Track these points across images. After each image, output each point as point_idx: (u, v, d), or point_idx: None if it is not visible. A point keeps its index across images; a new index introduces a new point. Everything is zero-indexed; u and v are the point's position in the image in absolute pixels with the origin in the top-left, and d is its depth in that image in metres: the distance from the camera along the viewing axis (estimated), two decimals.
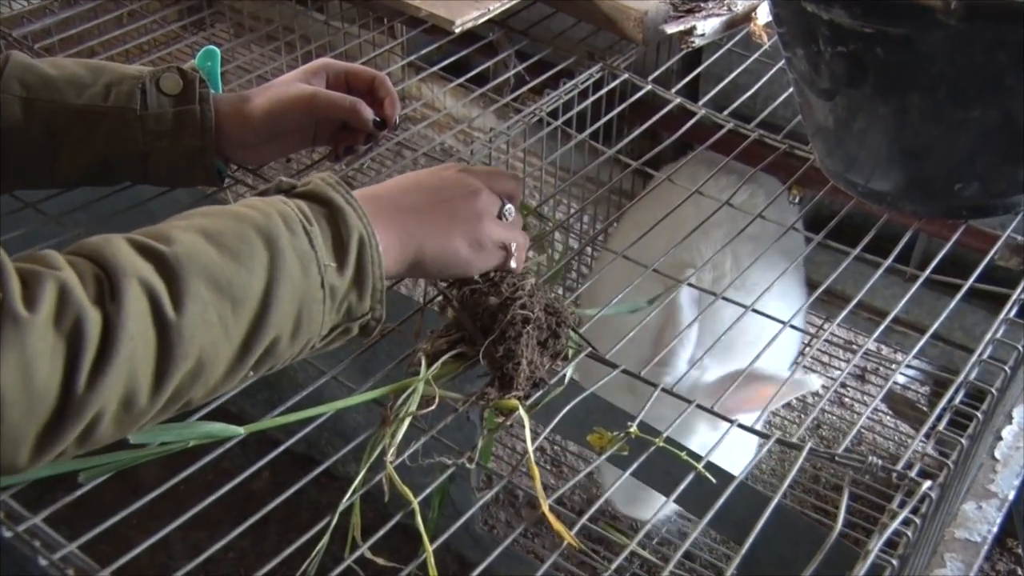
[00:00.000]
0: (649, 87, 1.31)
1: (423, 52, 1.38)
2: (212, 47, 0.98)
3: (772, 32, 1.33)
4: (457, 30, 1.30)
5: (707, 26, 1.31)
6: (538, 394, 0.83)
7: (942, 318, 0.94)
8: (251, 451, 0.83)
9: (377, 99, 1.03)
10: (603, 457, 0.81)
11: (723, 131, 1.23)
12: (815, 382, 1.11)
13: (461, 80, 1.33)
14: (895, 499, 0.77)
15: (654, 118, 1.25)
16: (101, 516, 0.69)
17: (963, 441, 0.82)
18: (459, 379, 0.84)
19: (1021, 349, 0.92)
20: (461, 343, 0.85)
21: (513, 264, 0.86)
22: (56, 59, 0.94)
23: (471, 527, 1.69)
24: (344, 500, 0.75)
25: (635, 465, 0.80)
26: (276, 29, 1.62)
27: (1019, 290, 0.98)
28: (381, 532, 0.73)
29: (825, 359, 1.92)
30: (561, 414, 0.83)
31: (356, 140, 1.04)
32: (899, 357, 1.81)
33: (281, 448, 0.78)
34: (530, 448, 0.78)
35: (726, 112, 1.25)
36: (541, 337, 0.84)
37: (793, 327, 0.97)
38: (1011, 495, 0.85)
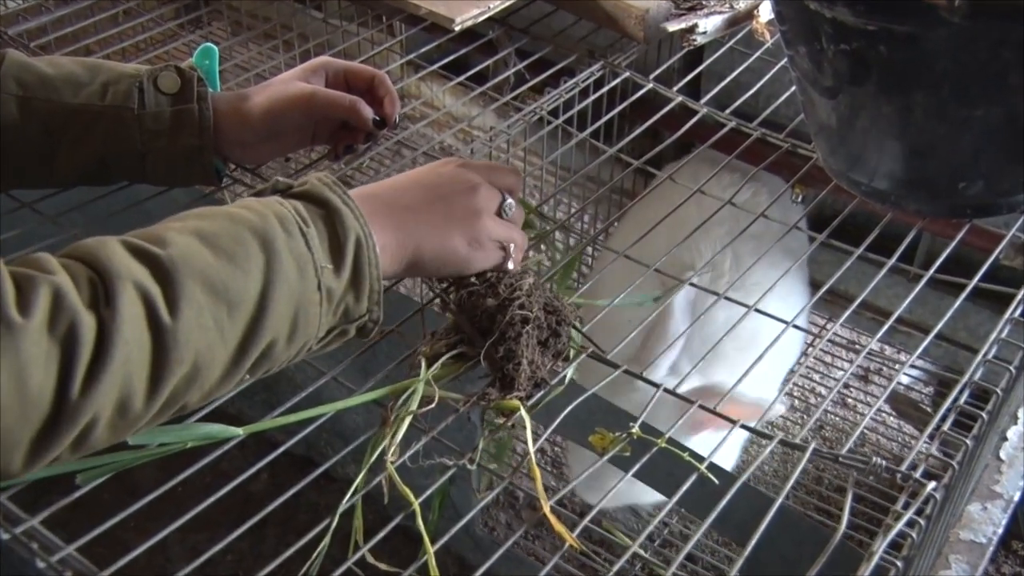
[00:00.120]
0: (650, 85, 1.30)
1: (422, 50, 1.38)
2: (209, 44, 0.98)
3: (774, 30, 1.32)
4: (457, 28, 1.30)
5: (709, 24, 1.30)
6: (539, 394, 0.83)
7: (946, 318, 0.93)
8: (250, 453, 0.82)
9: (376, 98, 1.02)
10: (605, 458, 0.81)
11: (725, 130, 1.23)
12: (779, 408, 1.08)
13: (461, 78, 1.33)
14: (899, 500, 0.77)
15: (655, 117, 1.24)
16: (98, 518, 0.69)
17: (968, 442, 0.82)
18: (460, 380, 0.83)
19: None
20: (461, 344, 0.84)
21: (510, 265, 0.85)
22: (53, 57, 0.94)
23: (471, 529, 1.69)
24: (344, 501, 0.74)
25: (637, 466, 0.79)
26: (274, 27, 1.61)
27: None
28: (381, 534, 0.72)
29: (828, 359, 1.91)
30: (563, 415, 0.83)
31: (355, 139, 1.03)
32: (903, 357, 1.81)
33: (280, 450, 0.78)
34: (531, 449, 0.77)
35: (728, 111, 1.25)
36: (541, 337, 0.83)
37: (796, 327, 0.96)
38: (1016, 496, 0.85)
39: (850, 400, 1.96)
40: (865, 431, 1.89)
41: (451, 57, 1.37)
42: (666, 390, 0.88)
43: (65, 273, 0.60)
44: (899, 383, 1.82)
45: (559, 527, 0.73)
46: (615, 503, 1.38)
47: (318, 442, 1.70)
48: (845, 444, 0.82)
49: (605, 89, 1.30)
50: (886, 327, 0.94)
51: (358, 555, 0.72)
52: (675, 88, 1.29)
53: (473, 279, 0.84)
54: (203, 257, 0.65)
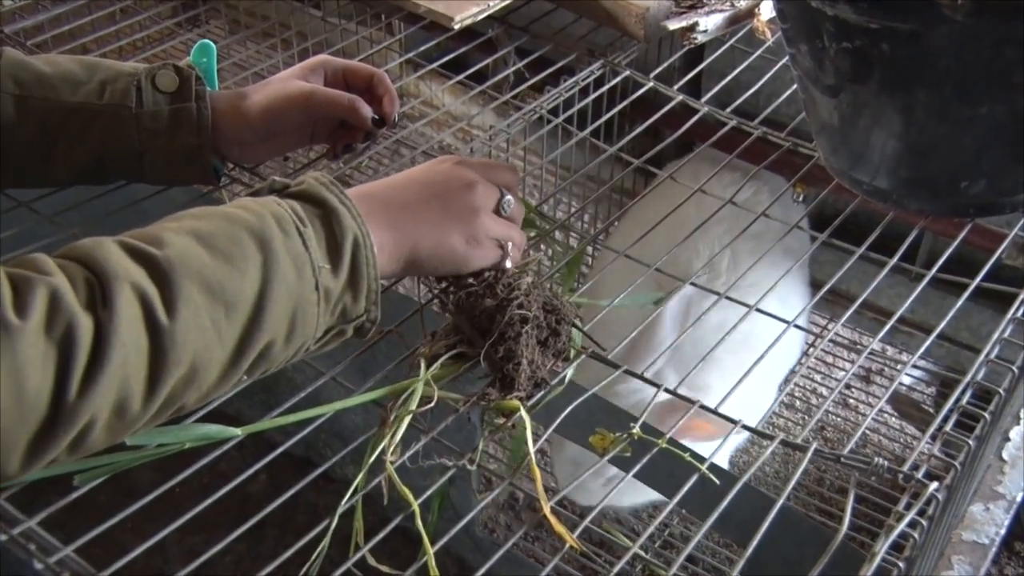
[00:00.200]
0: (651, 84, 1.30)
1: (422, 49, 1.37)
2: (207, 41, 0.97)
3: (776, 28, 1.32)
4: (456, 26, 1.29)
5: (709, 22, 1.30)
6: (540, 394, 0.82)
7: (948, 318, 0.93)
8: (248, 453, 0.82)
9: (376, 97, 1.02)
10: (606, 459, 0.80)
11: (726, 129, 1.22)
12: (741, 435, 1.04)
13: (460, 77, 1.32)
14: (901, 501, 0.76)
15: (656, 115, 1.24)
16: (95, 519, 0.69)
17: (970, 442, 0.81)
18: (460, 380, 0.83)
19: None
20: (461, 345, 0.84)
21: (508, 263, 0.84)
22: (50, 56, 0.93)
23: (471, 530, 1.68)
24: (344, 502, 0.74)
25: (638, 467, 0.79)
26: (272, 25, 1.61)
27: None
28: (381, 535, 0.72)
29: (829, 359, 1.91)
30: (563, 415, 0.82)
31: (355, 138, 1.03)
32: (904, 357, 1.80)
33: (279, 450, 0.77)
34: (531, 449, 0.77)
35: (729, 109, 1.25)
36: (541, 336, 0.83)
37: (798, 327, 0.96)
38: (1019, 497, 0.84)
39: (852, 401, 1.95)
40: (867, 432, 1.88)
41: (450, 56, 1.37)
42: (667, 390, 0.87)
43: (62, 274, 0.60)
44: (901, 383, 1.81)
45: (559, 528, 0.73)
46: (591, 502, 1.37)
47: (317, 443, 1.69)
48: (847, 445, 0.82)
49: (605, 88, 1.30)
50: (888, 327, 0.94)
51: (358, 556, 0.72)
52: (676, 87, 1.29)
53: (471, 279, 0.84)
54: (200, 257, 0.64)
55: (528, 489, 0.78)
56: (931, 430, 0.83)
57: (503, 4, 1.33)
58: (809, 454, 0.80)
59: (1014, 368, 0.89)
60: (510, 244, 0.84)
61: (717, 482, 0.78)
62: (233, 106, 0.94)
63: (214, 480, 0.74)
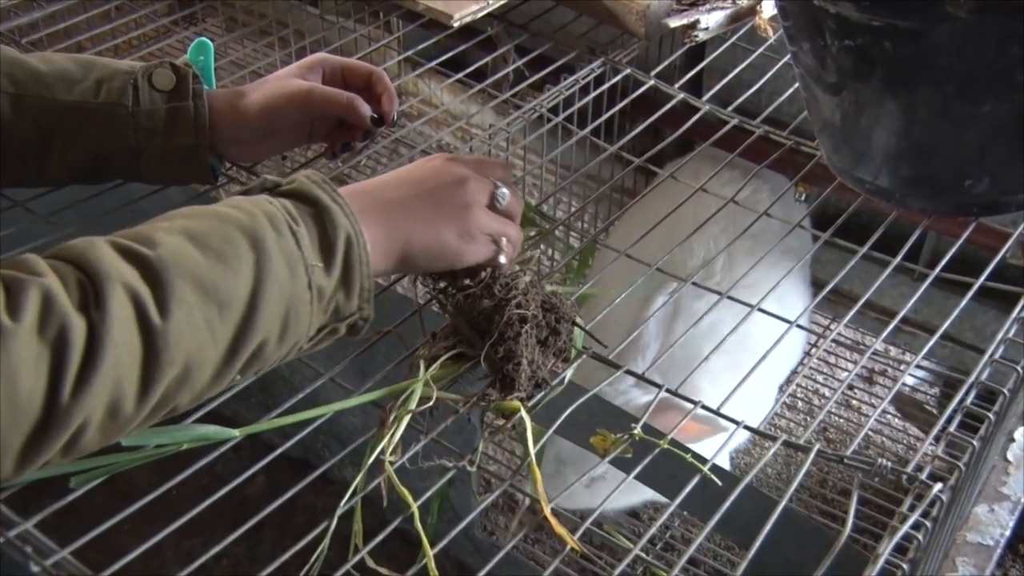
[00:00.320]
0: (651, 82, 1.29)
1: (420, 47, 1.37)
2: (204, 39, 0.97)
3: (777, 26, 1.31)
4: (455, 24, 1.29)
5: (711, 20, 1.30)
6: (540, 395, 0.82)
7: (952, 318, 0.93)
8: (245, 455, 0.82)
9: (374, 95, 1.01)
10: (606, 459, 0.80)
11: (727, 127, 1.22)
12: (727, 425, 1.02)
13: (459, 76, 1.32)
14: (905, 502, 0.76)
15: (657, 114, 1.23)
16: (91, 522, 0.68)
17: (974, 443, 0.81)
18: (460, 381, 0.83)
19: None
20: (461, 345, 0.83)
21: (502, 259, 0.83)
22: (45, 54, 0.93)
23: (471, 532, 1.68)
24: (343, 503, 0.74)
25: (639, 467, 0.78)
26: (269, 24, 1.60)
27: None
28: (380, 537, 0.71)
29: (832, 360, 1.90)
30: (563, 416, 0.82)
31: (353, 137, 1.02)
32: (908, 358, 1.80)
33: (277, 452, 0.77)
34: (531, 450, 0.76)
35: (730, 108, 1.24)
36: (541, 335, 0.82)
37: (800, 327, 0.95)
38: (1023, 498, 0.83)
39: (855, 402, 1.95)
40: (870, 433, 1.88)
41: (449, 54, 1.36)
42: (668, 390, 0.87)
43: (54, 275, 0.60)
44: (904, 384, 1.81)
45: (560, 530, 0.72)
46: (573, 505, 1.35)
47: (315, 444, 1.69)
48: (850, 446, 0.81)
49: (606, 86, 1.29)
50: (891, 327, 0.93)
51: (356, 558, 0.71)
52: (676, 85, 1.28)
53: (468, 280, 0.83)
54: (193, 257, 0.64)
55: (528, 491, 0.77)
56: (935, 431, 0.82)
57: (502, 2, 1.33)
58: (812, 455, 0.80)
59: (1019, 368, 0.88)
60: (504, 240, 0.84)
61: (719, 483, 0.77)
62: (231, 105, 0.94)
63: (212, 482, 0.74)
